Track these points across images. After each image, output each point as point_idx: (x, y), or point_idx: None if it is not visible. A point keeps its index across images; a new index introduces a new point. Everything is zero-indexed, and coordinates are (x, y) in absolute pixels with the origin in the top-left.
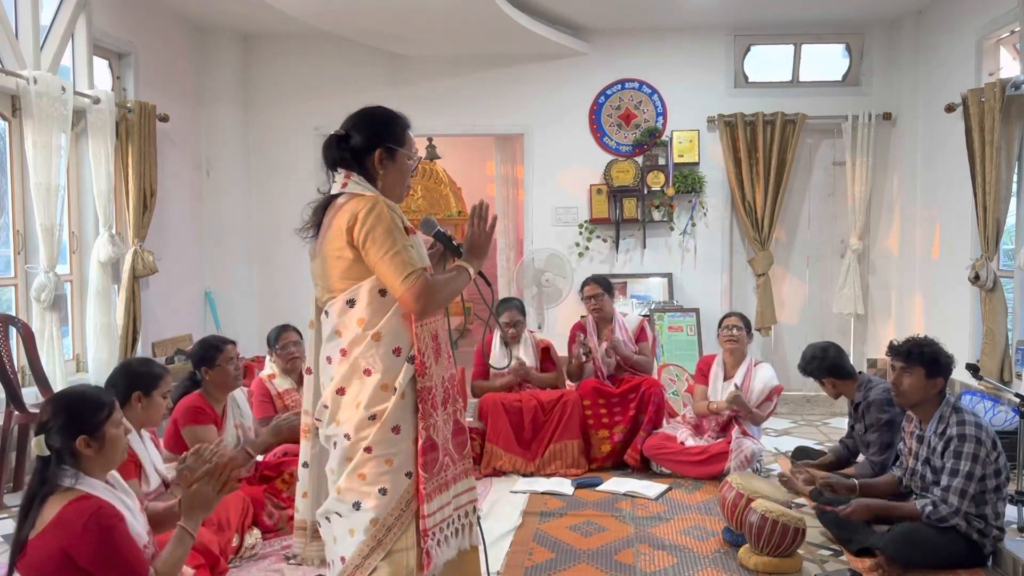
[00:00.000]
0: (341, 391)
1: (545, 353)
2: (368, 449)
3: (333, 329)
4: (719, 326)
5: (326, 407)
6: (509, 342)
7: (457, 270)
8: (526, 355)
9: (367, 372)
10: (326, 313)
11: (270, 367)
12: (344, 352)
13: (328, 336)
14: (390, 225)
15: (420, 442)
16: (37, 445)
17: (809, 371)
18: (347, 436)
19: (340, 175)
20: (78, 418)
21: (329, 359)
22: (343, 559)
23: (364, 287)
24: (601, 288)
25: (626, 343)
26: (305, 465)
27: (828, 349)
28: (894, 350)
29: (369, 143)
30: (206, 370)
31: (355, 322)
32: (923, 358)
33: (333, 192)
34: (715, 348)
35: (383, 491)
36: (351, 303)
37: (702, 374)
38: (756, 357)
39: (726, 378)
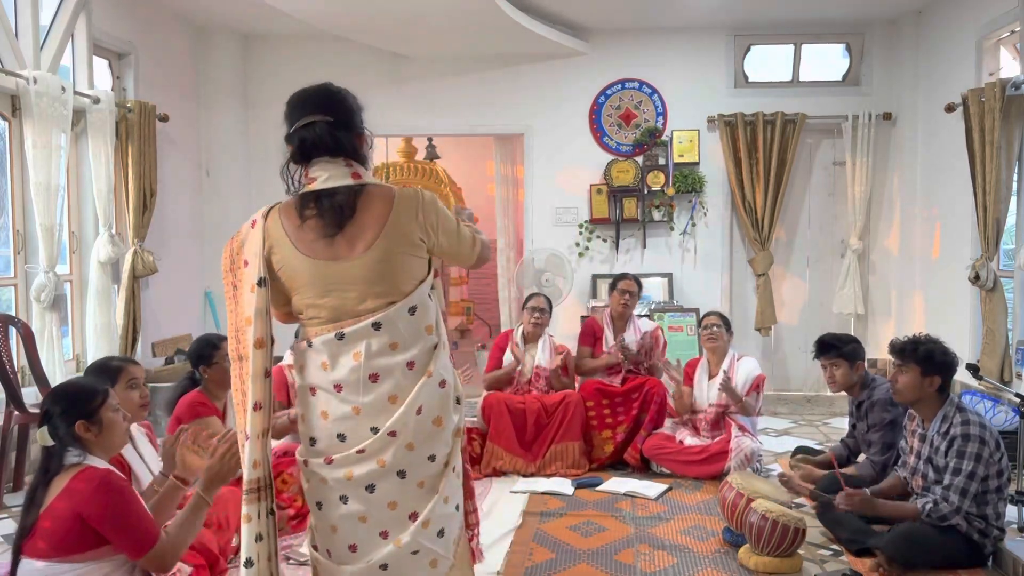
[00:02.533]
0: (419, 410)
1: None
2: (454, 468)
3: (388, 342)
4: (699, 326)
5: (393, 435)
6: (528, 338)
7: (465, 225)
8: (543, 356)
9: (442, 384)
10: (375, 325)
11: (289, 357)
12: (412, 365)
13: (378, 350)
14: (441, 202)
15: (463, 441)
16: (41, 436)
17: (846, 352)
18: (431, 458)
19: (335, 164)
20: (75, 405)
21: (375, 377)
22: None
23: (422, 290)
24: (637, 287)
25: (638, 343)
26: (260, 538)
27: (858, 339)
28: (892, 347)
29: (358, 128)
30: (204, 368)
31: (423, 331)
32: (916, 356)
33: (342, 184)
34: None
35: (458, 507)
36: (413, 310)
37: (688, 377)
38: (740, 352)
39: (711, 377)
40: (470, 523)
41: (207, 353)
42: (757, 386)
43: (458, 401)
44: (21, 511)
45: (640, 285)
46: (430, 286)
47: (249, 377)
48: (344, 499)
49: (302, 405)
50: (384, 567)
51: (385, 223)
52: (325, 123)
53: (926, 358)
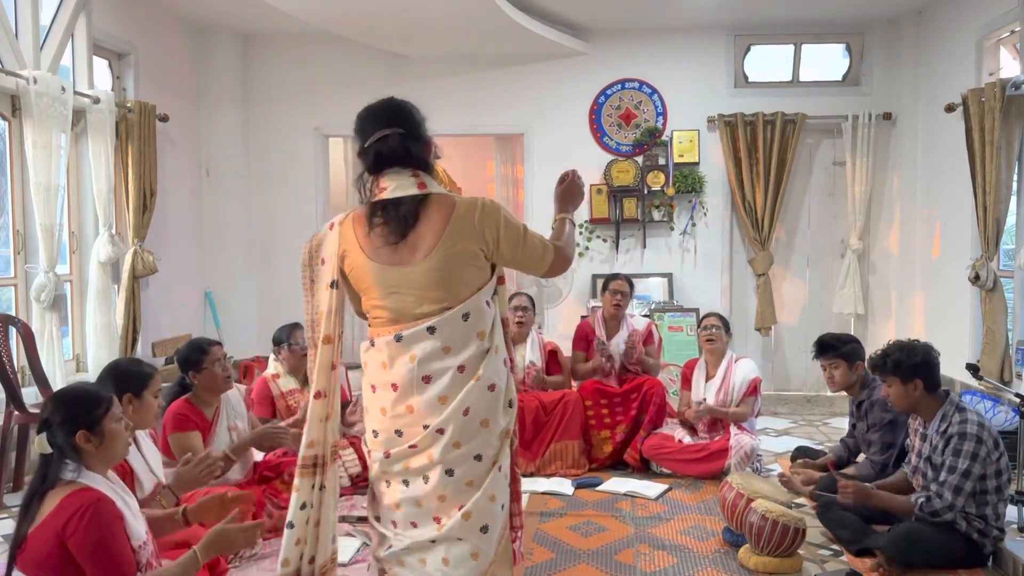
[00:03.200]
0: (466, 411)
1: (552, 356)
2: (500, 468)
3: (440, 346)
4: (699, 326)
5: (441, 431)
6: (515, 339)
7: (562, 222)
8: (532, 355)
9: (492, 388)
10: (430, 329)
11: (274, 366)
12: (463, 369)
13: (431, 353)
14: (507, 210)
15: (515, 444)
16: (39, 443)
17: (844, 352)
18: (478, 457)
19: (403, 175)
20: (78, 413)
21: (427, 379)
22: None
23: (478, 297)
24: (629, 287)
25: (637, 343)
26: (304, 507)
27: (858, 339)
28: (869, 365)
29: (425, 137)
30: (193, 374)
31: (474, 336)
32: (886, 368)
33: (408, 194)
34: None
35: (503, 506)
36: (466, 316)
37: (686, 380)
38: (739, 353)
39: (708, 378)
40: (514, 525)
41: (196, 358)
42: (754, 389)
43: (510, 404)
44: (17, 520)
45: (632, 285)
46: (490, 293)
47: (316, 367)
48: (406, 483)
49: (366, 399)
50: (433, 541)
51: (443, 232)
52: (397, 135)
53: (896, 367)
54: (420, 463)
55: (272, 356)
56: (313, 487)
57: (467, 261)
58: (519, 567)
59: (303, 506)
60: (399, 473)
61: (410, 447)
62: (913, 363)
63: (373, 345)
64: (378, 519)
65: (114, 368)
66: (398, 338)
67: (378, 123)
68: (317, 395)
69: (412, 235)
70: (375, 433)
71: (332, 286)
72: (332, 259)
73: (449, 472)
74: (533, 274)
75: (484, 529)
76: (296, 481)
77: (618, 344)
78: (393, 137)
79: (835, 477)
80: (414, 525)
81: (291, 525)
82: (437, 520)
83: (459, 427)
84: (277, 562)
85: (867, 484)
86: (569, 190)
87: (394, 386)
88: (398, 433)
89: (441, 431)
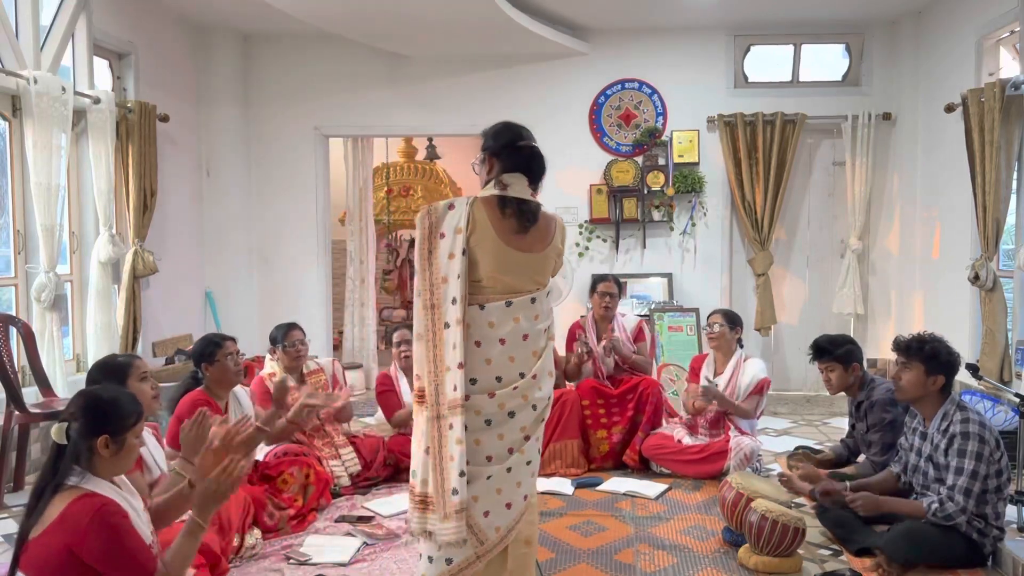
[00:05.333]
0: (545, 363)
1: None
2: (550, 401)
3: (535, 313)
4: (707, 324)
5: (535, 377)
6: None
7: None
8: None
9: (554, 349)
10: (532, 299)
11: (270, 366)
12: (546, 331)
13: (529, 317)
14: None
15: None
16: (56, 431)
17: (839, 355)
18: (548, 397)
19: (523, 181)
20: (107, 417)
21: (526, 336)
22: (526, 496)
23: (551, 282)
24: (617, 288)
25: (624, 343)
26: (428, 451)
27: (854, 340)
28: (897, 344)
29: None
30: (207, 366)
31: (549, 310)
32: (922, 354)
33: (526, 198)
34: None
35: (544, 425)
36: (548, 294)
37: (695, 373)
38: (747, 353)
39: (716, 374)
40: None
41: (210, 351)
42: (760, 389)
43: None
44: (23, 515)
45: (620, 286)
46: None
47: (447, 325)
48: (489, 422)
49: (462, 354)
50: (509, 470)
51: (552, 236)
52: (536, 148)
53: (931, 356)
54: (516, 402)
55: (268, 356)
56: (454, 426)
57: (554, 258)
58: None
59: (457, 442)
60: (491, 413)
61: (513, 388)
62: (949, 360)
63: (482, 308)
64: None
65: (93, 372)
66: (508, 304)
67: (518, 135)
68: (454, 346)
69: (532, 231)
70: (473, 381)
71: (463, 254)
72: (456, 233)
73: (534, 407)
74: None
75: (539, 450)
76: (448, 417)
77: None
78: (539, 151)
79: (839, 482)
80: (489, 459)
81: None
82: (511, 451)
83: (542, 374)
84: (418, 483)
85: (874, 495)
86: None
87: (502, 341)
88: (498, 379)
89: (535, 376)
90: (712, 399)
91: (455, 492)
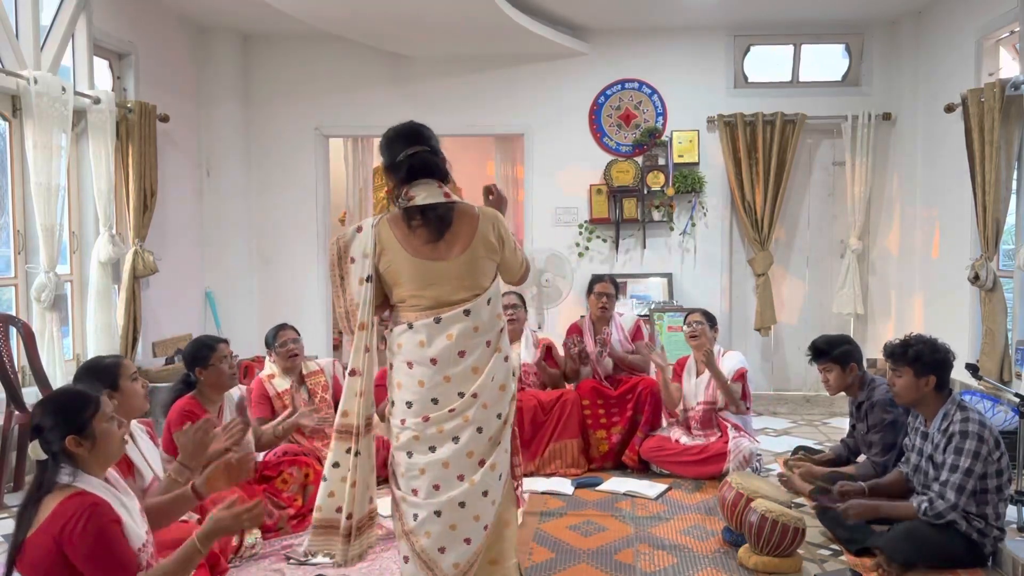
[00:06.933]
0: (492, 378)
1: (547, 351)
2: (508, 424)
3: (472, 326)
4: (683, 323)
5: (476, 396)
6: (509, 337)
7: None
8: (527, 353)
9: (506, 359)
10: (466, 312)
11: (270, 367)
12: (489, 344)
13: (465, 331)
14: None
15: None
16: (33, 450)
17: (836, 355)
18: (499, 416)
19: (431, 185)
20: (65, 419)
21: (462, 353)
22: (486, 527)
23: (495, 287)
24: (614, 289)
25: (622, 343)
26: (336, 465)
27: (852, 340)
28: (885, 351)
29: (443, 155)
30: (200, 370)
31: (494, 317)
32: (907, 359)
33: (438, 201)
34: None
35: (507, 451)
36: (489, 301)
37: (678, 376)
38: (724, 347)
39: (698, 374)
40: (516, 475)
41: (203, 355)
42: (740, 376)
43: (513, 373)
44: (15, 526)
45: (617, 287)
46: (499, 283)
47: (353, 350)
48: (433, 448)
49: (400, 375)
50: (462, 504)
51: (475, 234)
52: (425, 152)
53: (916, 359)
54: (454, 424)
55: (267, 358)
56: (348, 451)
57: (488, 256)
58: (521, 510)
59: (335, 464)
60: (430, 438)
61: (449, 411)
62: (934, 359)
63: (411, 328)
64: (399, 488)
65: (79, 376)
66: (437, 320)
67: (406, 142)
68: (352, 372)
69: (448, 235)
70: (408, 404)
71: (368, 280)
72: (364, 258)
73: (479, 430)
74: (511, 279)
75: (500, 477)
76: (332, 443)
77: (612, 345)
78: (423, 153)
79: (836, 480)
80: (436, 488)
81: (324, 479)
82: (461, 478)
83: (488, 391)
84: (314, 510)
85: (867, 500)
86: (500, 202)
87: (433, 360)
88: (434, 401)
89: (476, 395)
90: (708, 368)
91: (319, 510)
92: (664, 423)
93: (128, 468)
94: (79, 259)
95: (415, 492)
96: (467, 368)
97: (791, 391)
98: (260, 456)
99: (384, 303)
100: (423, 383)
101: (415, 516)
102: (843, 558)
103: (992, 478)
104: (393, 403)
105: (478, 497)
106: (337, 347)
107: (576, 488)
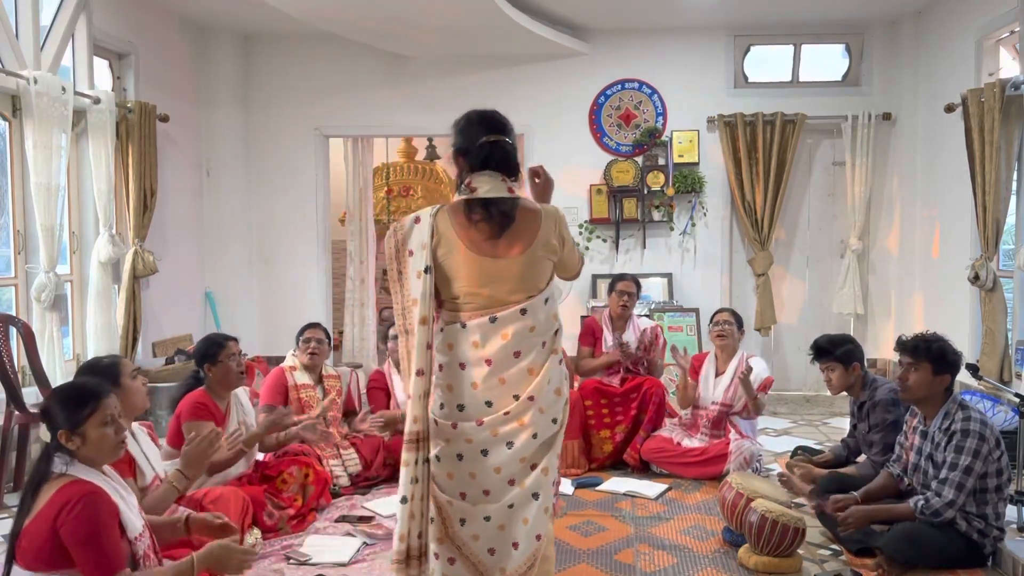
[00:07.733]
0: (549, 381)
1: None
2: (562, 427)
3: (528, 325)
4: (710, 322)
5: (532, 399)
6: None
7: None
8: None
9: (562, 361)
10: (523, 311)
11: (291, 359)
12: (544, 344)
13: (521, 331)
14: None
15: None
16: (43, 432)
17: (839, 355)
18: (554, 420)
19: (496, 178)
20: (59, 413)
21: (518, 354)
22: (539, 536)
23: (552, 286)
24: (636, 288)
25: (639, 341)
26: (415, 481)
27: (854, 339)
28: (902, 345)
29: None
30: (209, 367)
31: (551, 317)
32: (930, 354)
33: (502, 195)
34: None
35: (557, 454)
36: (546, 301)
37: (694, 371)
38: (748, 351)
39: (718, 374)
40: (555, 480)
41: (212, 352)
42: (764, 387)
43: (566, 377)
44: (16, 514)
45: (639, 286)
46: (554, 284)
47: (415, 348)
48: (485, 452)
49: (451, 377)
50: (511, 506)
51: (536, 233)
52: (506, 143)
53: (939, 356)
54: (509, 428)
55: (291, 352)
56: (418, 461)
57: (548, 256)
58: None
59: (414, 480)
60: (482, 442)
61: (504, 414)
62: (954, 359)
63: (464, 327)
64: (443, 491)
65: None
66: (493, 319)
67: (487, 128)
68: (419, 373)
69: (509, 233)
70: (460, 407)
71: (426, 272)
72: (422, 248)
73: (535, 435)
74: (567, 277)
75: (552, 481)
76: (404, 456)
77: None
78: (504, 143)
79: (836, 480)
80: (486, 494)
81: (404, 500)
82: (512, 483)
83: (544, 395)
84: (394, 537)
85: (863, 507)
86: (547, 185)
87: (488, 361)
88: (488, 404)
89: (532, 398)
90: (742, 385)
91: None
92: (666, 424)
93: (130, 467)
94: (79, 259)
95: (463, 496)
96: (523, 369)
97: (791, 391)
98: (260, 456)
99: (437, 298)
100: (476, 385)
101: (462, 521)
102: (843, 558)
103: (992, 478)
104: (442, 406)
105: (528, 500)
106: (337, 347)
107: (576, 488)
